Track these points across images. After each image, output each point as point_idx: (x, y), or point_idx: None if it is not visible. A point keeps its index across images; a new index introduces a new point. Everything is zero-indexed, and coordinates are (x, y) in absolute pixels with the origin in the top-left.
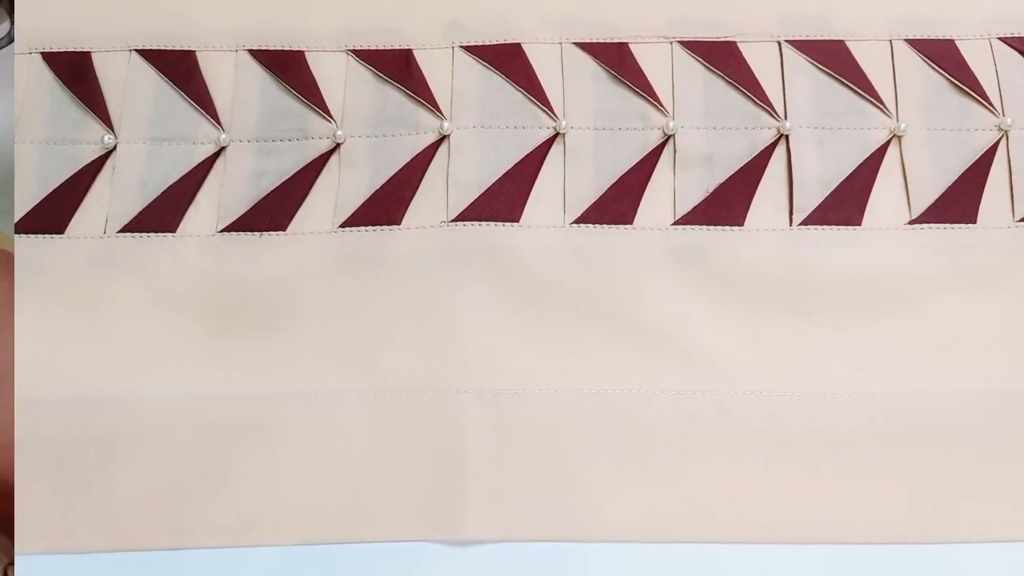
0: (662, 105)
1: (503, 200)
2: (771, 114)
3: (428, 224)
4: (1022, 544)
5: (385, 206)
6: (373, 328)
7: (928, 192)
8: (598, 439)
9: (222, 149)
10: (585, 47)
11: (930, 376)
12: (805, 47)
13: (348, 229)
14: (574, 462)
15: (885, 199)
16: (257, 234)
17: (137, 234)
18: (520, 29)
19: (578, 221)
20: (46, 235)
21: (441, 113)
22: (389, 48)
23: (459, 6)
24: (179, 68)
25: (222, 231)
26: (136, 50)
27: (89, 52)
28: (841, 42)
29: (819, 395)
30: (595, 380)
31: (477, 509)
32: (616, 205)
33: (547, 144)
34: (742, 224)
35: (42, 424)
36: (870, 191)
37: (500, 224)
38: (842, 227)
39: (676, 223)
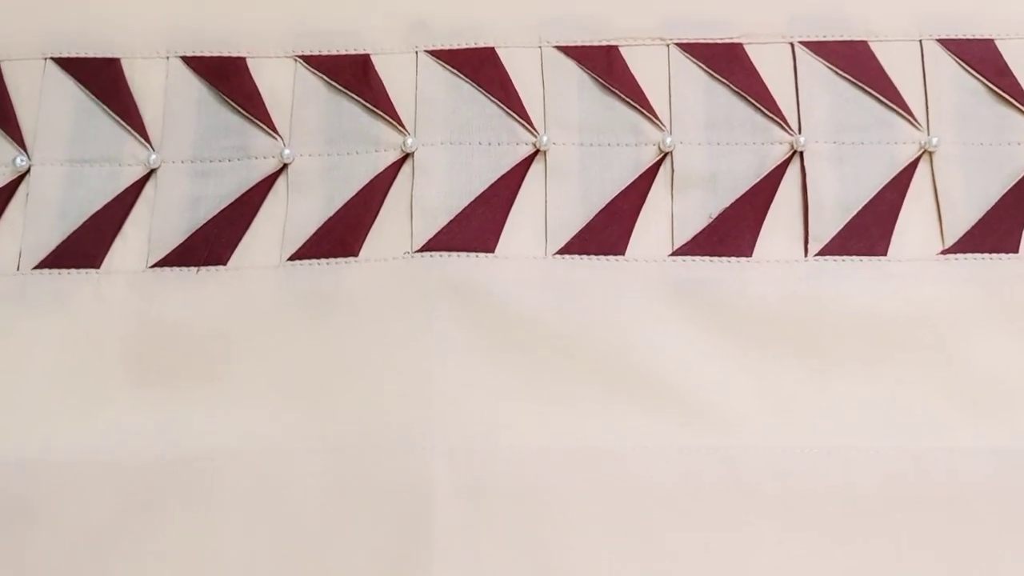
0: (657, 117)
1: (476, 227)
2: (783, 127)
3: (390, 256)
4: None
5: (340, 235)
6: (327, 376)
7: (963, 217)
8: (586, 505)
9: (152, 171)
10: (568, 51)
11: (965, 430)
12: (822, 49)
13: (298, 262)
14: (558, 532)
15: (914, 225)
16: (193, 269)
17: (55, 270)
18: (494, 31)
19: (562, 252)
20: None
21: (404, 128)
22: (343, 53)
23: (423, 5)
24: (101, 78)
25: (153, 266)
26: (51, 58)
27: None
28: (863, 43)
29: (838, 451)
30: (583, 436)
31: None
32: (605, 233)
33: (526, 163)
34: (750, 255)
35: None
36: (897, 216)
37: (472, 255)
38: (865, 258)
39: (674, 254)
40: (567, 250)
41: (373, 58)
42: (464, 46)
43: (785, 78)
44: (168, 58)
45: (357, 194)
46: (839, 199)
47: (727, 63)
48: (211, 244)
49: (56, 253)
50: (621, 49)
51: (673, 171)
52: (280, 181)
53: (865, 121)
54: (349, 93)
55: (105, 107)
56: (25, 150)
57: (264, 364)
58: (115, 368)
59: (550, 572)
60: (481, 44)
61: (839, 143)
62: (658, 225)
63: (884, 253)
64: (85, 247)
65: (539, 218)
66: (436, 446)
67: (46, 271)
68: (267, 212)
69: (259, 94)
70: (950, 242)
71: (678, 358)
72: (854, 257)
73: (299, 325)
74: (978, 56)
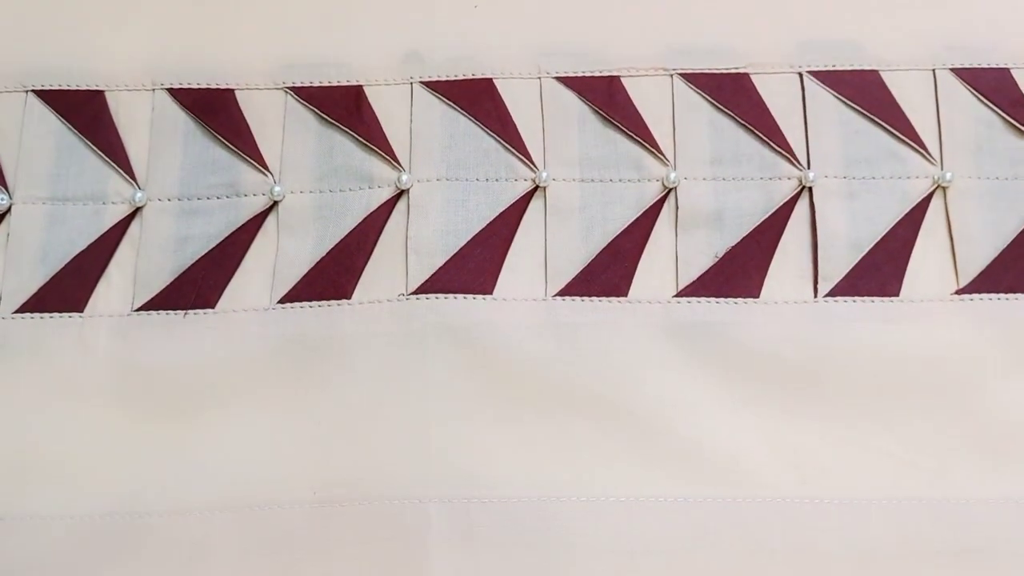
0: (661, 152)
1: (473, 268)
2: (791, 161)
3: (384, 298)
4: None
5: (332, 277)
6: (318, 424)
7: (979, 255)
8: (587, 558)
9: (137, 210)
10: (569, 82)
11: (983, 481)
12: (831, 79)
13: (288, 305)
14: None
15: (927, 264)
16: (180, 313)
17: (37, 314)
18: (491, 61)
19: (562, 293)
20: None
21: (398, 163)
22: (335, 84)
23: (418, 34)
24: (84, 112)
25: (138, 310)
26: (33, 90)
27: None
28: (874, 72)
29: (850, 503)
30: (583, 486)
31: None
32: (607, 274)
33: (524, 200)
34: (757, 296)
35: None
36: (909, 255)
37: (469, 297)
38: (877, 299)
39: (679, 295)
40: (567, 291)
41: (366, 90)
42: (460, 77)
43: (793, 110)
44: (154, 90)
45: (350, 233)
46: (850, 237)
47: (733, 94)
48: (198, 286)
49: (38, 296)
50: (623, 80)
51: (677, 208)
52: (270, 220)
53: (876, 154)
54: (341, 127)
55: (88, 142)
56: (6, 188)
57: (253, 412)
58: (98, 418)
59: None
60: (478, 75)
61: (849, 178)
62: (662, 265)
63: (896, 293)
64: (68, 290)
65: (538, 258)
66: (431, 496)
67: (27, 316)
68: (256, 252)
69: (248, 128)
70: (965, 281)
71: (683, 405)
72: (865, 298)
73: (290, 371)
74: (994, 86)
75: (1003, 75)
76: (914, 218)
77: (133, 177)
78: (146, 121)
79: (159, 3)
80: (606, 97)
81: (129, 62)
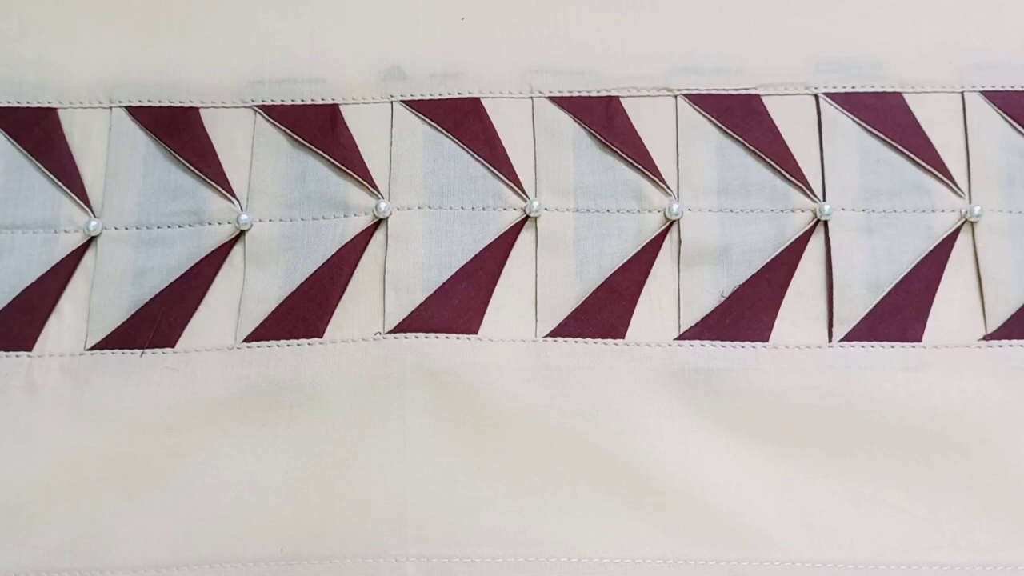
0: (663, 180)
1: (456, 305)
2: (805, 192)
3: (359, 337)
4: None
5: (303, 314)
6: (285, 475)
7: (1009, 297)
8: None
9: (92, 239)
10: (563, 102)
11: (1011, 544)
12: (849, 102)
13: (255, 345)
14: None
15: (953, 307)
16: (137, 352)
17: None
18: (479, 79)
19: (554, 334)
20: None
21: (376, 190)
22: (309, 103)
23: (399, 48)
24: (35, 131)
25: (91, 349)
26: None
27: None
28: (897, 95)
29: (868, 567)
30: (575, 545)
31: None
32: (603, 313)
33: (514, 231)
34: (767, 340)
35: None
36: (934, 296)
37: (452, 337)
38: (897, 344)
39: (681, 338)
40: (560, 332)
41: (342, 109)
42: (445, 96)
43: (808, 135)
44: (111, 108)
45: (322, 266)
46: (868, 276)
47: (742, 117)
48: (157, 323)
49: None
50: (622, 101)
51: (680, 242)
52: (236, 250)
53: (898, 186)
54: (315, 149)
55: (39, 164)
56: None
57: (215, 460)
58: (47, 465)
59: None
60: (464, 94)
61: (869, 211)
62: (663, 305)
63: (919, 339)
64: (16, 327)
65: (528, 295)
66: (409, 554)
67: None
68: (221, 286)
69: (213, 150)
70: (994, 326)
71: (686, 458)
72: (885, 343)
73: (255, 416)
74: None
75: None
76: (939, 256)
77: (87, 203)
78: (102, 142)
79: (117, 12)
80: (604, 119)
81: (84, 77)
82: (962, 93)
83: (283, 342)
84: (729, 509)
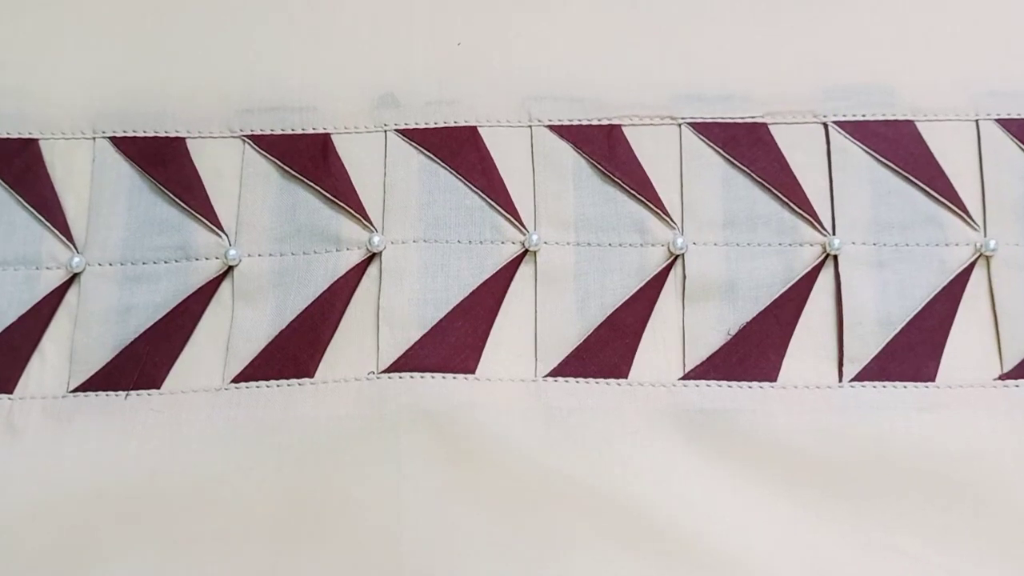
0: (667, 212)
1: (453, 343)
2: (814, 225)
3: (352, 377)
4: None
5: (293, 353)
6: (277, 522)
7: None
8: None
9: (75, 276)
10: (563, 131)
11: None
12: (860, 130)
13: (243, 385)
14: None
15: (968, 345)
16: (121, 394)
17: None
18: (475, 107)
19: (554, 374)
20: None
21: (369, 223)
22: (299, 132)
23: (393, 75)
24: (15, 163)
25: (75, 391)
26: None
27: None
28: (909, 123)
29: None
30: None
31: None
32: (605, 352)
33: (512, 265)
34: (775, 379)
35: None
36: (948, 334)
37: (449, 377)
38: (910, 384)
39: (686, 377)
40: (560, 372)
41: (334, 138)
42: (440, 124)
43: (817, 165)
44: (94, 139)
45: (314, 303)
46: (880, 312)
47: (749, 147)
48: (142, 364)
49: None
50: (624, 129)
51: (685, 277)
52: (224, 287)
53: (911, 218)
54: (306, 180)
55: (20, 198)
56: None
57: (205, 508)
58: (25, 519)
59: None
60: (461, 122)
61: (880, 245)
62: (667, 342)
63: (932, 378)
64: None
65: (527, 333)
66: None
67: None
68: (208, 324)
69: (200, 182)
70: (1010, 365)
71: (690, 502)
72: (897, 383)
73: (245, 460)
74: None
75: None
76: (953, 291)
77: (70, 239)
78: (85, 174)
79: (100, 39)
80: (605, 149)
81: (66, 106)
82: (976, 121)
83: (272, 382)
84: (734, 555)
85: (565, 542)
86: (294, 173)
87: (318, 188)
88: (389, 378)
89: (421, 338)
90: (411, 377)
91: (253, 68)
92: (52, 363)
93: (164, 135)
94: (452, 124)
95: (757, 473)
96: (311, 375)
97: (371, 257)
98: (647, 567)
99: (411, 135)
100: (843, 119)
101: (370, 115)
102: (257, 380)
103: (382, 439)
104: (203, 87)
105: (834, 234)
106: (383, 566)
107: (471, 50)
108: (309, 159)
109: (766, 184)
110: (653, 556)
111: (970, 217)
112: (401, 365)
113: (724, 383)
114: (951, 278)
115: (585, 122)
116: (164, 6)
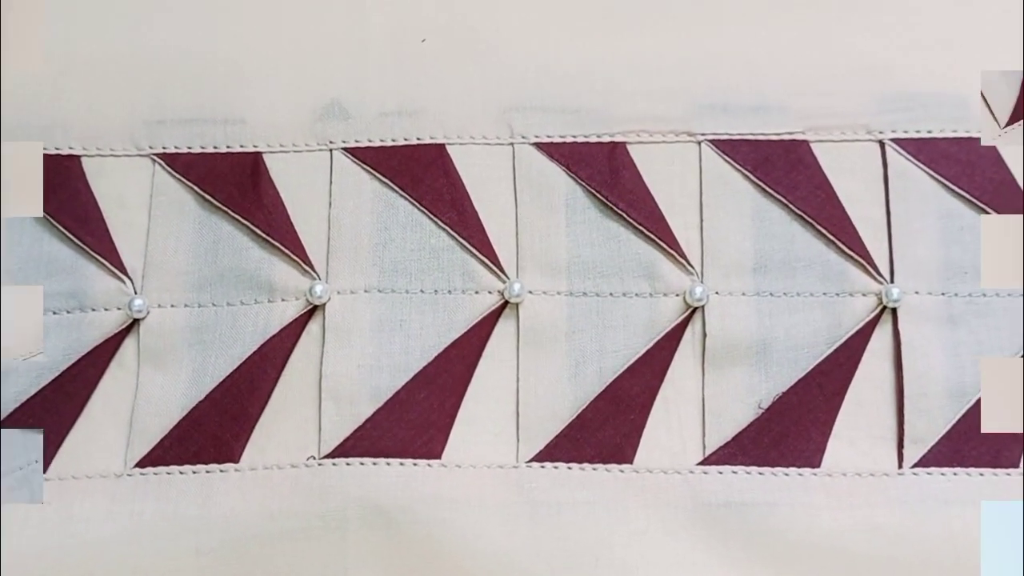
0: (682, 254)
1: (414, 420)
2: (867, 270)
3: (287, 463)
4: None
5: (214, 431)
6: None
7: None
8: None
9: None
10: (553, 150)
11: None
12: (925, 150)
13: (151, 471)
14: None
15: None
16: None
17: None
18: (443, 119)
19: (541, 458)
20: None
21: (310, 266)
22: (223, 151)
23: (340, 79)
24: None
25: None
26: None
27: None
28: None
29: None
30: None
31: None
32: (605, 430)
33: (489, 321)
34: (817, 465)
35: None
36: None
37: (409, 463)
38: (987, 471)
39: (706, 462)
40: (548, 456)
41: (266, 158)
42: (400, 142)
43: (871, 194)
44: None
45: (239, 367)
46: (950, 381)
47: (786, 171)
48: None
49: None
50: (630, 148)
51: (705, 336)
52: (127, 345)
53: None
54: (230, 212)
55: None
56: None
57: None
58: None
59: None
60: (425, 139)
61: (950, 295)
62: (682, 419)
63: (1015, 464)
64: None
65: (508, 406)
66: None
67: None
68: (107, 392)
69: (99, 211)
70: None
71: None
72: (972, 470)
73: (154, 568)
74: None
75: None
76: None
77: None
78: None
79: None
80: (606, 172)
81: None
82: None
83: (187, 468)
84: None
85: None
86: (216, 203)
87: (246, 222)
88: (334, 464)
89: (374, 414)
90: (361, 464)
91: (166, 70)
92: None
93: (54, 152)
94: (414, 141)
95: None
96: (236, 460)
97: (312, 310)
98: None
99: (363, 155)
100: (904, 136)
101: (311, 129)
102: (168, 465)
103: (325, 541)
104: (103, 93)
105: (892, 281)
106: None
107: (438, 48)
108: (235, 185)
109: (807, 217)
110: None
111: None
112: (349, 448)
113: (754, 470)
114: None
115: (581, 139)
116: None
